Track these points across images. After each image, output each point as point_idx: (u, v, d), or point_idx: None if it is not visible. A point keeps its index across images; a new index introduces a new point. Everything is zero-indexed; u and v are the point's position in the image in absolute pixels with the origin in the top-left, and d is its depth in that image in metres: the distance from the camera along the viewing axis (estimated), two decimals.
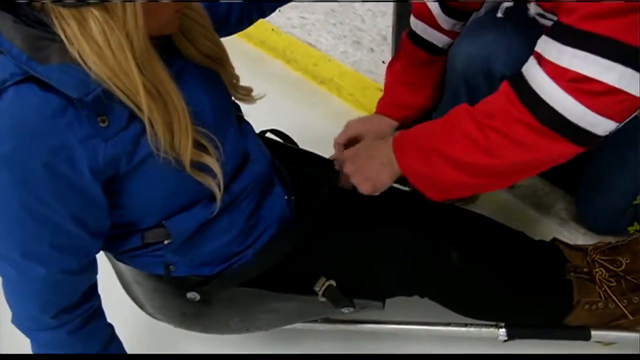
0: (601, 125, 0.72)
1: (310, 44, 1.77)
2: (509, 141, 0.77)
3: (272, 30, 1.85)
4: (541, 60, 0.75)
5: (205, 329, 1.02)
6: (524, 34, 0.96)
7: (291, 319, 1.00)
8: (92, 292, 0.81)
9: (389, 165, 0.90)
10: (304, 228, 0.92)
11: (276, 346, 1.20)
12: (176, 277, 0.86)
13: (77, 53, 0.62)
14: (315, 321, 1.06)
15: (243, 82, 0.90)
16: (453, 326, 1.04)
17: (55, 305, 0.76)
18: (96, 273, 0.81)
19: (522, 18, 0.95)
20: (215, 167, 0.75)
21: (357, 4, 1.51)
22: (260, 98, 0.92)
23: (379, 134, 1.10)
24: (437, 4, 1.07)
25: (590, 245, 1.06)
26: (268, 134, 1.10)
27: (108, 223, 0.76)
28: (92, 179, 0.68)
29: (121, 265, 0.90)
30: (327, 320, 1.06)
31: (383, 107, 1.20)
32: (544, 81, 0.73)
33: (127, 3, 0.60)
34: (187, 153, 0.71)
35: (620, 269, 0.99)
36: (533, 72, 0.75)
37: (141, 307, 1.01)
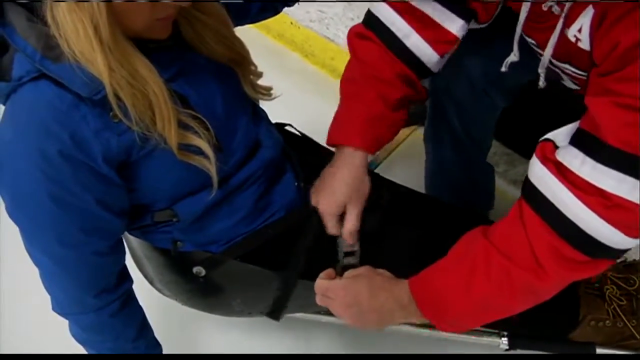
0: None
1: (328, 38, 1.77)
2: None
3: (291, 23, 1.85)
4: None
5: (210, 308, 1.04)
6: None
7: (292, 307, 0.99)
8: (126, 274, 0.86)
9: (402, 310, 0.82)
10: (309, 205, 0.92)
11: (277, 334, 1.21)
12: (183, 252, 0.89)
13: (60, 37, 0.64)
14: (319, 312, 1.05)
15: None
16: None
17: (95, 286, 0.80)
18: (124, 254, 0.86)
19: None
20: (206, 148, 0.76)
21: None
22: (278, 97, 0.93)
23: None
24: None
25: None
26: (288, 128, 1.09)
27: (128, 203, 0.80)
28: (106, 167, 0.72)
29: (133, 240, 0.93)
30: (330, 312, 1.02)
31: (359, 141, 0.91)
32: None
33: None
34: (172, 135, 0.72)
35: (633, 288, 0.96)
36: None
37: (151, 282, 1.04)
